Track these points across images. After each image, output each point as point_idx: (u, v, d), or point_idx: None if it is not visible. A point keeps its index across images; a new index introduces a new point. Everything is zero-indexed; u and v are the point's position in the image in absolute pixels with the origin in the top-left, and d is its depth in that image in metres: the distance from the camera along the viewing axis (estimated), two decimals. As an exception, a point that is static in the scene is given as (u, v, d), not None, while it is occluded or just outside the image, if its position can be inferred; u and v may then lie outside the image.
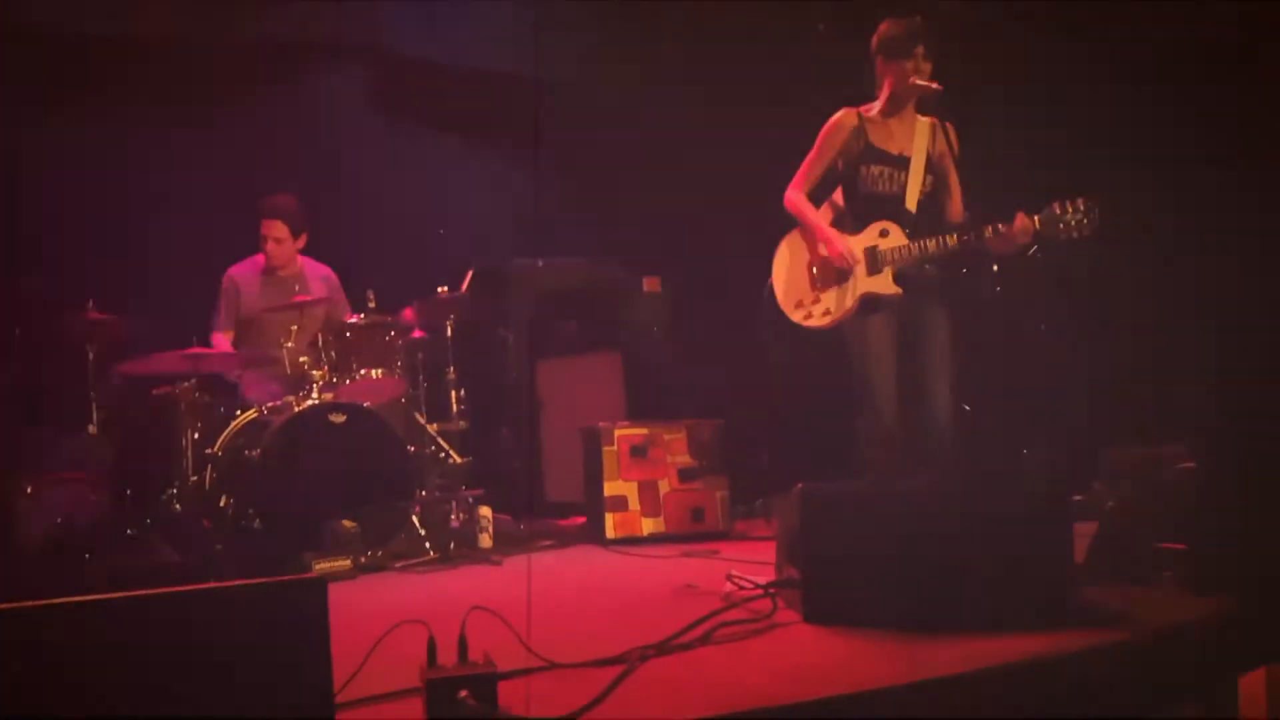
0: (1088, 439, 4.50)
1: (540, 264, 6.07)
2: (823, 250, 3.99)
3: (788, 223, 4.12)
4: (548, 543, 4.92)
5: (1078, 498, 3.37)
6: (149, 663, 1.99)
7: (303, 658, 2.03)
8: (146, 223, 5.38)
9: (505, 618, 2.61)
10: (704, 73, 5.89)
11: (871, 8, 4.11)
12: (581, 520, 5.30)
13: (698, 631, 2.85)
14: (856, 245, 3.96)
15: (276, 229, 5.08)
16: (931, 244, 3.88)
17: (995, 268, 4.51)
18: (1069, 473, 4.03)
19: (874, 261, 3.93)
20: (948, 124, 4.00)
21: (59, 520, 4.81)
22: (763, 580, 3.28)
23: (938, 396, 3.90)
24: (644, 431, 4.86)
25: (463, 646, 2.39)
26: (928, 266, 3.95)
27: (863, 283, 3.95)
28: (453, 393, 5.14)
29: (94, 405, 4.59)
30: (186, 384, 4.53)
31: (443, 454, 5.12)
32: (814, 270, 4.04)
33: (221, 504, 4.38)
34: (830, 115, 4.09)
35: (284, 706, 2.01)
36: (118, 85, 5.55)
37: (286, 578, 2.07)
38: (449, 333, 5.14)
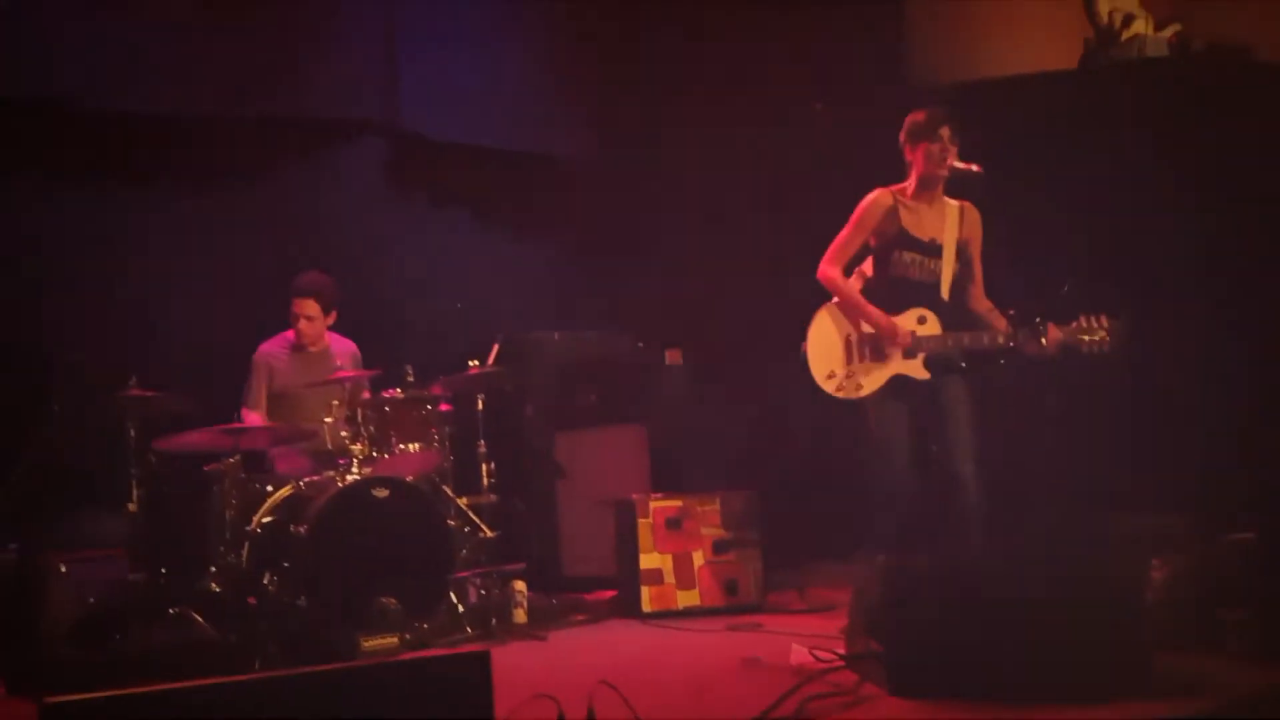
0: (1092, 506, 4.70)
1: (556, 336, 6.15)
2: (865, 327, 4.14)
3: (808, 294, 4.28)
4: (581, 617, 4.95)
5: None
6: None
7: None
8: (176, 299, 5.39)
9: (611, 694, 2.67)
10: (717, 149, 6.09)
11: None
12: (608, 594, 5.33)
13: (790, 706, 2.92)
14: (901, 327, 4.12)
15: (309, 307, 5.12)
16: (967, 338, 4.09)
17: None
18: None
19: (912, 348, 4.11)
20: (973, 208, 4.22)
21: (92, 600, 4.76)
22: (826, 653, 3.38)
23: (963, 474, 4.04)
24: (678, 503, 4.94)
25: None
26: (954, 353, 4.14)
27: (897, 364, 4.12)
28: (483, 466, 5.17)
29: (134, 483, 4.55)
30: (231, 460, 4.52)
31: (467, 528, 5.14)
32: (851, 343, 4.18)
33: (265, 581, 4.36)
34: (852, 191, 4.29)
35: None
36: (150, 162, 5.60)
37: (445, 652, 2.13)
38: (480, 406, 5.18)
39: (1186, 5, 5.75)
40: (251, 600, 4.37)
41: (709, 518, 4.93)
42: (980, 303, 4.28)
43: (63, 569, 4.69)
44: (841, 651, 3.38)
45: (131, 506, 4.54)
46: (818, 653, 3.39)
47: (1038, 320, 4.00)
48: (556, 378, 6.02)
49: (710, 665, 3.74)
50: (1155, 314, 4.74)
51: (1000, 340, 4.04)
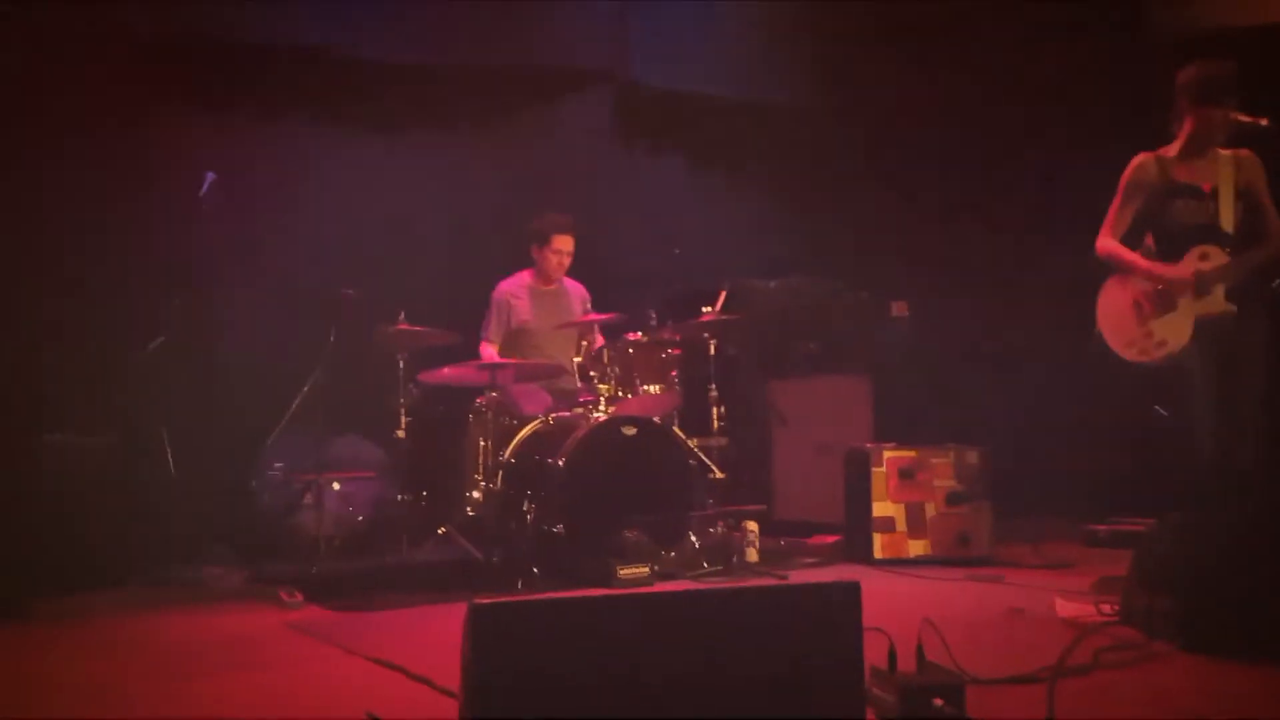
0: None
1: (773, 284, 6.24)
2: (1145, 284, 4.09)
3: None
4: (810, 560, 5.07)
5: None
6: (700, 651, 2.16)
7: (837, 655, 2.20)
8: (418, 239, 5.73)
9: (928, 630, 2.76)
10: (954, 100, 6.03)
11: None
12: (825, 539, 5.45)
13: (1084, 657, 2.97)
14: (1181, 272, 4.04)
15: (569, 243, 5.34)
16: (1259, 254, 3.96)
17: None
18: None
19: (1201, 284, 4.01)
20: (1251, 155, 4.08)
21: (361, 517, 5.15)
22: (1088, 609, 3.42)
23: (1249, 425, 3.94)
24: (912, 455, 4.99)
25: (921, 656, 2.57)
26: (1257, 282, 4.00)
27: (1195, 307, 4.03)
28: (714, 409, 5.32)
29: (402, 411, 4.87)
30: (493, 394, 4.78)
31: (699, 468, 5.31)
32: (1139, 306, 4.13)
33: (524, 508, 4.62)
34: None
35: (820, 701, 2.19)
36: (398, 109, 5.94)
37: (822, 582, 2.26)
38: (711, 351, 5.32)
39: None
40: (512, 525, 4.64)
41: (942, 470, 4.98)
42: (1275, 239, 4.08)
43: (336, 486, 5.10)
44: (1117, 607, 3.41)
45: (400, 433, 4.87)
46: (1101, 606, 3.42)
47: None
48: (774, 325, 6.12)
49: (973, 613, 3.80)
50: None
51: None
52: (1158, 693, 2.76)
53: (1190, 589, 3.03)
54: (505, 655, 2.07)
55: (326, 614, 4.06)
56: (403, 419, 4.88)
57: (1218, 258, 4.01)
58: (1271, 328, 4.00)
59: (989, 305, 5.77)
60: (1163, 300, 4.07)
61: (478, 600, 2.10)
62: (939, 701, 2.42)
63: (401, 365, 4.88)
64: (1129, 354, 4.08)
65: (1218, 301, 4.00)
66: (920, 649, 2.56)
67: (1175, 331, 4.03)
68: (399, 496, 4.90)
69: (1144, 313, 4.10)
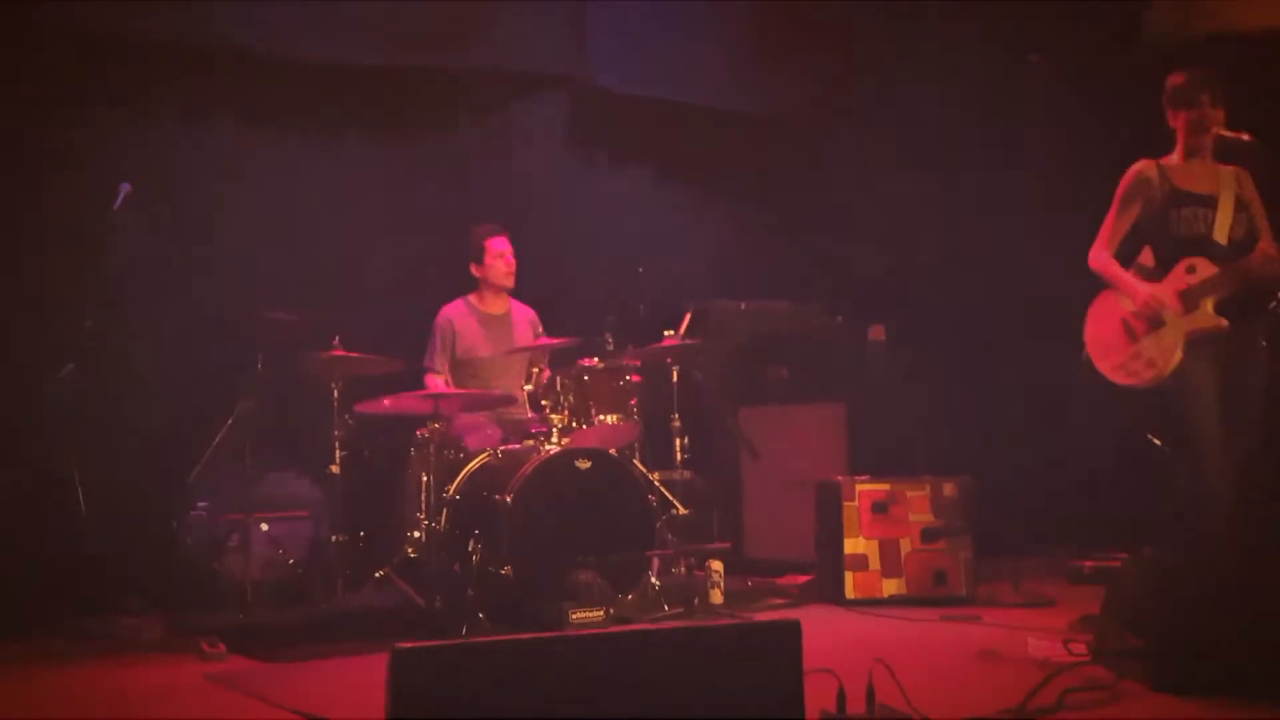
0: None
1: (744, 306, 6.46)
2: (1128, 304, 4.27)
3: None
4: (779, 601, 5.27)
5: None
6: (634, 692, 2.34)
7: (778, 697, 2.40)
8: (366, 255, 5.92)
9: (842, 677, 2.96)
10: (927, 113, 6.29)
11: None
12: (795, 579, 5.65)
13: (1049, 698, 3.19)
14: (1165, 289, 4.21)
15: (506, 244, 5.54)
16: (1246, 264, 4.13)
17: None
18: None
19: (1188, 299, 4.16)
20: (1246, 171, 4.32)
21: (293, 560, 5.30)
22: (1077, 646, 3.64)
23: (1237, 456, 4.09)
24: (886, 487, 5.22)
25: (871, 695, 2.78)
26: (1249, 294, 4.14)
27: (1184, 323, 4.15)
28: (676, 441, 5.51)
29: (337, 445, 5.04)
30: (436, 425, 4.96)
31: (660, 504, 5.49)
32: (1127, 325, 4.29)
33: (469, 548, 4.79)
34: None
35: None
36: (339, 113, 6.13)
37: (759, 619, 2.46)
38: (675, 377, 5.52)
39: None
40: (456, 567, 4.81)
41: (918, 504, 5.20)
42: (1274, 253, 4.26)
43: (264, 528, 5.25)
44: (1086, 646, 3.63)
45: (334, 469, 5.03)
46: (1071, 645, 3.64)
47: None
48: (743, 350, 6.35)
49: (943, 655, 4.02)
50: None
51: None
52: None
53: (1160, 628, 3.25)
54: (426, 701, 2.24)
55: (251, 665, 4.20)
56: (337, 453, 5.04)
57: (1205, 269, 4.17)
58: (1270, 350, 4.16)
59: (974, 329, 6.01)
60: (1151, 319, 4.20)
61: (399, 646, 2.27)
62: (888, 743, 2.62)
63: (336, 395, 5.05)
64: (1117, 376, 4.24)
65: (1207, 316, 4.13)
66: (870, 690, 2.76)
67: (1164, 351, 4.15)
68: (334, 538, 5.05)
69: (1133, 332, 4.25)
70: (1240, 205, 4.27)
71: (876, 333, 6.17)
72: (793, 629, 2.45)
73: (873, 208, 6.51)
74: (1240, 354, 4.19)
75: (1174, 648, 3.23)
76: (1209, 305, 4.17)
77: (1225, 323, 4.13)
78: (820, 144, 6.72)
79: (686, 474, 5.53)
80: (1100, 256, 4.37)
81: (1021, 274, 4.78)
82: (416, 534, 5.00)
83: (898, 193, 6.40)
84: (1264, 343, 4.22)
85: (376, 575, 4.94)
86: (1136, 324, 4.26)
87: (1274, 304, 4.27)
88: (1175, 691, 3.22)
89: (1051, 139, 5.65)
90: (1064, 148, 5.62)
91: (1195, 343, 4.15)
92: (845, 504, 5.19)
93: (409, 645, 2.31)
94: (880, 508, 5.20)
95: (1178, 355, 4.15)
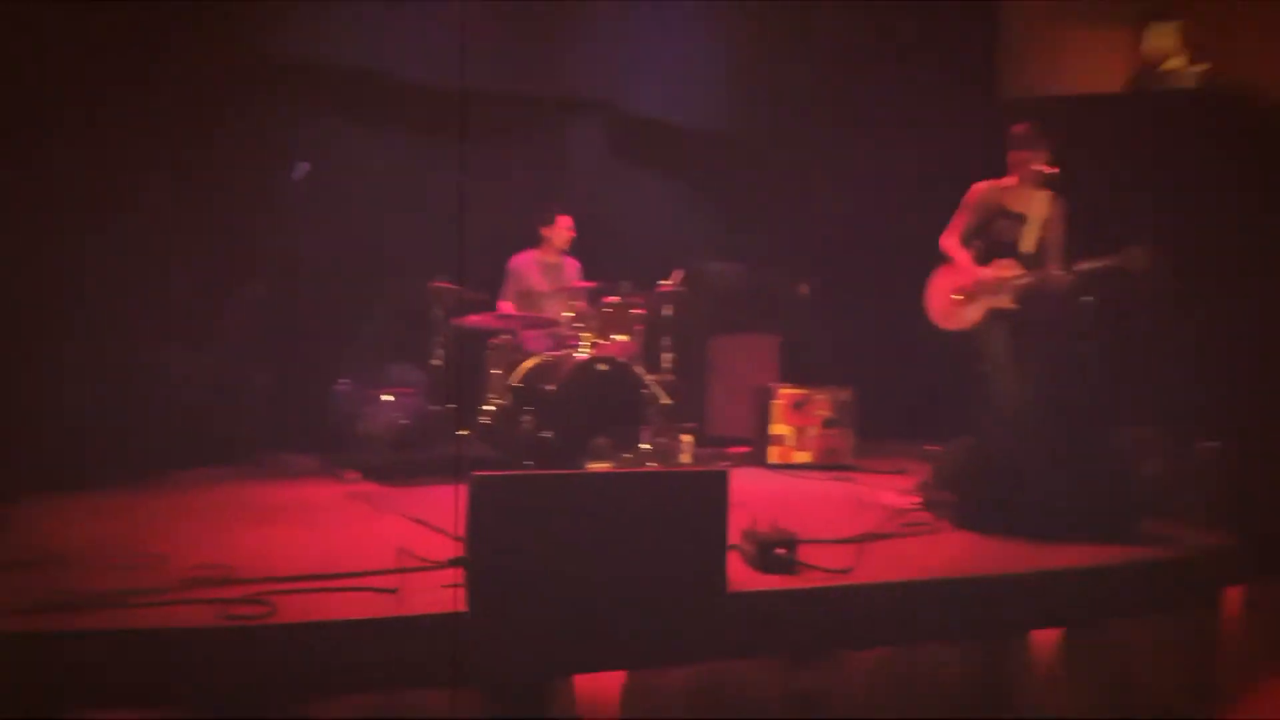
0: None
1: (716, 267, 6.69)
2: (963, 280, 4.55)
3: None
4: (725, 464, 5.60)
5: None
6: (622, 515, 2.59)
7: (710, 521, 2.67)
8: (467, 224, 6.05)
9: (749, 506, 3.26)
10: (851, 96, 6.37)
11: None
12: (744, 449, 5.99)
13: (891, 527, 3.55)
14: (988, 273, 4.50)
15: (571, 222, 5.74)
16: (1042, 273, 4.39)
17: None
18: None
19: (999, 286, 4.46)
20: (1057, 199, 4.52)
21: (404, 421, 5.60)
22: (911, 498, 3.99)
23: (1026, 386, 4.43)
24: (802, 392, 5.54)
25: (773, 525, 3.10)
26: (1037, 295, 4.41)
27: (990, 300, 4.48)
28: (667, 355, 5.77)
29: (438, 346, 5.33)
30: (506, 336, 5.23)
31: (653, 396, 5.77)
32: (954, 295, 4.61)
33: (525, 420, 5.10)
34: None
35: (684, 574, 2.60)
36: (432, 123, 6.14)
37: (702, 469, 2.75)
38: (670, 312, 5.72)
39: (1222, 44, 5.83)
40: (515, 431, 5.11)
41: (822, 403, 5.53)
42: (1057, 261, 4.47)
43: (389, 398, 5.55)
44: (920, 499, 3.98)
45: (436, 361, 5.32)
46: (910, 498, 3.99)
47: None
48: (716, 296, 6.58)
49: (826, 499, 4.39)
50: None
51: (1054, 274, 4.31)
52: (934, 551, 3.33)
53: (963, 488, 3.59)
54: (494, 514, 2.51)
55: (376, 488, 4.54)
56: (436, 351, 5.32)
57: (1012, 270, 4.45)
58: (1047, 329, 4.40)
59: (876, 280, 6.17)
60: (973, 291, 4.51)
61: (476, 474, 2.57)
62: (781, 551, 2.96)
63: (438, 312, 5.32)
64: (943, 323, 4.57)
65: (1005, 300, 4.45)
66: (774, 523, 3.08)
67: (971, 313, 4.50)
68: (433, 407, 5.35)
69: (957, 300, 4.57)
70: (1045, 224, 4.46)
71: (803, 289, 6.40)
72: (722, 477, 2.71)
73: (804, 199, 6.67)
74: (1024, 327, 4.43)
75: (970, 500, 3.57)
76: (1008, 293, 4.42)
77: (1014, 305, 4.40)
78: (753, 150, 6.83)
79: (670, 377, 5.79)
80: (950, 242, 4.60)
81: (912, 244, 4.94)
82: (490, 408, 5.31)
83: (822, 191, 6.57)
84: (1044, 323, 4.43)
85: (462, 434, 5.24)
86: (961, 293, 4.54)
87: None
88: (971, 529, 3.58)
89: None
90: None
91: (993, 314, 4.44)
92: (773, 401, 5.50)
93: (482, 473, 2.60)
94: (797, 405, 5.51)
95: (979, 316, 4.46)
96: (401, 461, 5.12)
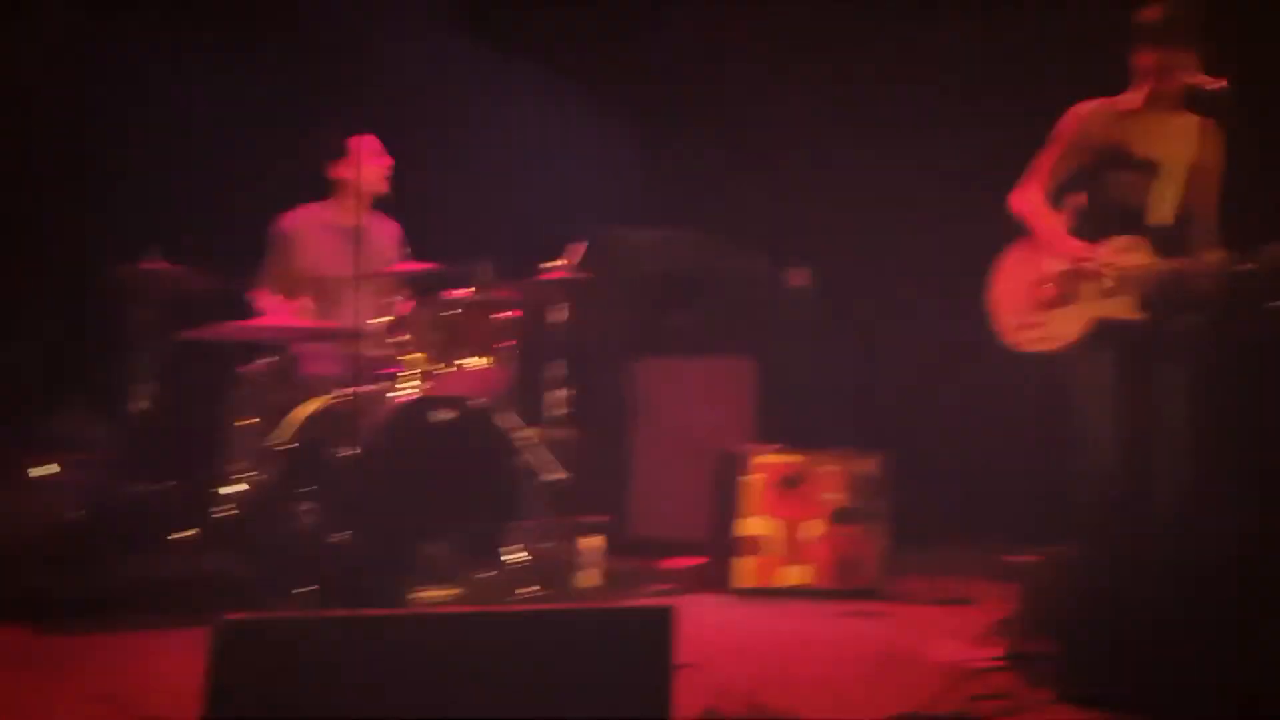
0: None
1: (649, 237, 6.65)
2: (1055, 264, 4.57)
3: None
4: (664, 587, 5.54)
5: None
6: (492, 677, 2.51)
7: (642, 692, 2.60)
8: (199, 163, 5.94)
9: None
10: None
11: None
12: (695, 561, 5.92)
13: (948, 706, 3.49)
14: (1095, 256, 4.50)
15: (381, 148, 5.61)
16: (1187, 265, 4.42)
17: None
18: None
19: (1111, 280, 4.46)
20: (1218, 129, 4.56)
21: (83, 511, 5.37)
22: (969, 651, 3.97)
23: (1164, 459, 4.45)
24: (795, 461, 5.51)
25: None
26: (1177, 296, 4.46)
27: (1098, 305, 4.50)
28: (560, 392, 5.66)
29: (145, 376, 5.13)
30: (271, 358, 5.08)
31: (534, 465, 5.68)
32: (1042, 287, 4.63)
33: (303, 509, 4.94)
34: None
35: None
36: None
37: (632, 604, 2.68)
38: (564, 317, 5.62)
39: None
40: (285, 529, 4.95)
41: (831, 480, 5.51)
42: (1212, 242, 4.54)
43: (40, 472, 5.31)
44: (1002, 650, 3.95)
45: (141, 404, 5.13)
46: (986, 650, 3.96)
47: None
48: (644, 289, 6.55)
49: (834, 653, 4.32)
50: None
51: (1234, 263, 4.29)
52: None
53: (1070, 633, 3.57)
54: (252, 680, 2.38)
55: (30, 640, 4.32)
56: (144, 386, 5.12)
57: (1141, 255, 4.46)
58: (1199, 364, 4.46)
59: (912, 282, 6.26)
60: (1069, 287, 4.52)
61: (225, 617, 2.43)
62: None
63: (141, 318, 5.11)
64: (1015, 337, 4.60)
65: (1126, 307, 4.45)
66: (752, 698, 3.01)
67: (1064, 326, 4.51)
68: (135, 487, 5.15)
69: (1042, 296, 4.58)
70: (1192, 174, 4.50)
71: (799, 278, 6.41)
72: (663, 616, 2.62)
73: (802, 138, 6.71)
74: (1159, 357, 4.47)
75: (1083, 654, 3.55)
76: (1132, 297, 4.46)
77: (1139, 317, 4.42)
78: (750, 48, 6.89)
79: (568, 432, 5.71)
80: (1028, 201, 4.61)
81: (971, 224, 4.98)
82: (239, 487, 5.12)
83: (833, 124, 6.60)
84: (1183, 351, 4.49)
85: (187, 535, 5.05)
86: (1054, 290, 4.56)
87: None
88: (1086, 704, 3.55)
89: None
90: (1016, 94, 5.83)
91: (1103, 330, 4.46)
92: (743, 478, 5.46)
93: (236, 616, 2.46)
94: (789, 483, 5.48)
95: (1076, 334, 4.49)
96: (70, 591, 4.91)
